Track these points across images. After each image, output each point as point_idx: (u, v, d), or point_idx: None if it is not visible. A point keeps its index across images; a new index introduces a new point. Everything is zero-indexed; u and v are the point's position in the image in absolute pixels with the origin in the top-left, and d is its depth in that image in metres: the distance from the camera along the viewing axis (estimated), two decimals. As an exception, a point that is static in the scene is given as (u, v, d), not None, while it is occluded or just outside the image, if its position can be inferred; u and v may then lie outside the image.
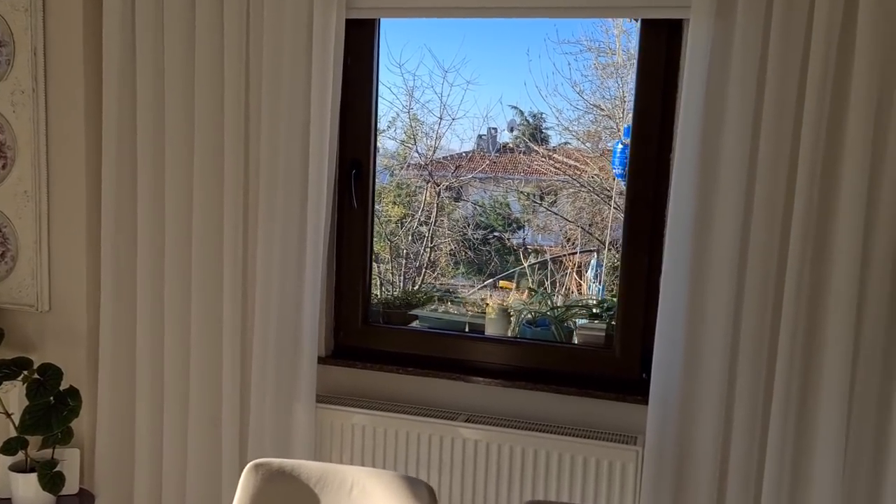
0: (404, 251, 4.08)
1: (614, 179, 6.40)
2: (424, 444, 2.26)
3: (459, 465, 2.24)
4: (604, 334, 2.43)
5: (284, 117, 2.26)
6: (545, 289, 3.33)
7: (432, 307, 3.60)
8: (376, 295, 3.32)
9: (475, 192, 6.92)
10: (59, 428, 2.21)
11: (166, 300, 2.42)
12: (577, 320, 2.61)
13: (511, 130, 7.68)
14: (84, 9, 2.40)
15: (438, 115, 4.12)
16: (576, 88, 7.80)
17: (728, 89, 1.94)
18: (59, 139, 2.46)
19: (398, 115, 3.93)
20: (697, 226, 2.00)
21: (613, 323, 2.43)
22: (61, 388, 2.27)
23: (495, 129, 6.71)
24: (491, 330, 2.74)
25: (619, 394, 2.22)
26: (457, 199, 4.96)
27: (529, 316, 2.64)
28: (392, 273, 4.02)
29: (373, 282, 2.51)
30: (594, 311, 2.46)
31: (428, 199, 4.13)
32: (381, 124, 3.11)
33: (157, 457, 2.49)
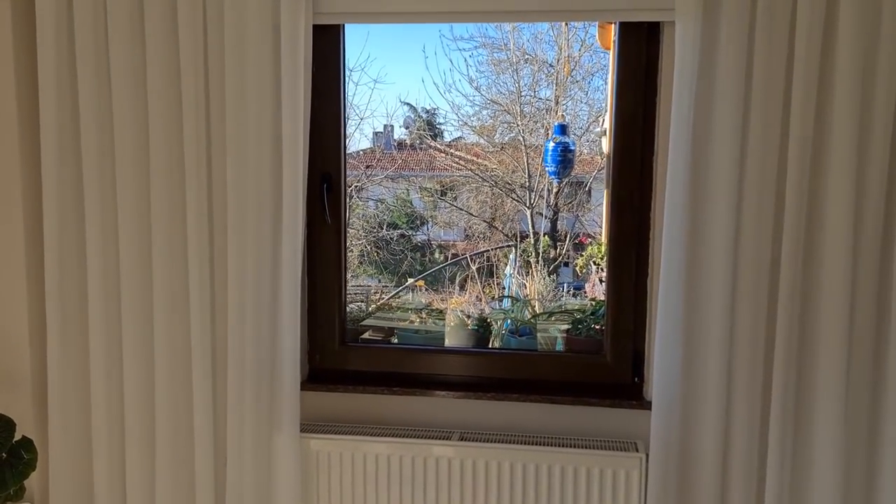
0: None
1: (542, 177, 6.47)
2: (420, 468, 2.17)
3: (458, 486, 2.16)
4: (591, 340, 2.41)
5: (252, 131, 2.11)
6: (526, 295, 3.28)
7: (380, 315, 3.50)
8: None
9: (382, 191, 6.85)
10: (14, 485, 1.98)
11: (124, 332, 2.22)
12: (559, 326, 2.58)
13: (406, 127, 7.67)
14: (13, 22, 2.15)
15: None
16: (473, 84, 7.85)
17: (716, 90, 1.94)
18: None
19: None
20: (690, 227, 2.00)
21: (596, 327, 2.42)
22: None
23: (391, 126, 6.69)
24: (454, 341, 2.66)
25: (613, 399, 2.21)
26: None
27: (510, 325, 2.59)
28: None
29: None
30: (576, 316, 2.43)
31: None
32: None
33: (120, 507, 2.28)
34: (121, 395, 2.25)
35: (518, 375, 2.31)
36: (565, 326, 2.51)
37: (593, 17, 2.17)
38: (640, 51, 2.15)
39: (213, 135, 2.15)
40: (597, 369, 2.28)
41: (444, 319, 3.00)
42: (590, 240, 6.17)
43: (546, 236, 7.78)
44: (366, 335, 2.88)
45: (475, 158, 8.53)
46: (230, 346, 2.17)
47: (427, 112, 8.10)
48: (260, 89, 2.09)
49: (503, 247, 8.43)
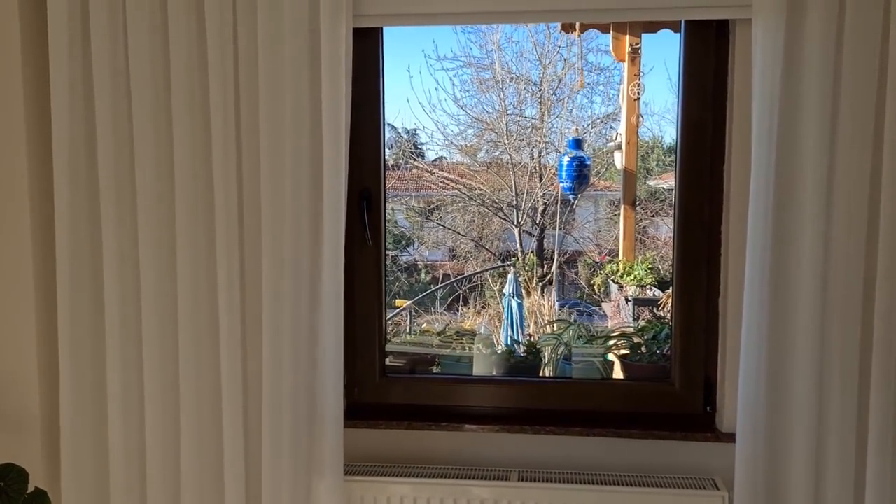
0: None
1: (559, 192, 6.31)
2: (477, 512, 1.97)
3: (520, 532, 1.96)
4: (653, 366, 2.23)
5: (289, 144, 1.91)
6: (578, 321, 3.09)
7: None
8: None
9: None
10: (28, 544, 1.75)
11: (145, 368, 2.00)
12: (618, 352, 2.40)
13: (389, 147, 7.58)
14: (21, 25, 1.95)
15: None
16: (458, 103, 7.73)
17: (801, 94, 1.78)
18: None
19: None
20: (775, 244, 1.83)
21: (658, 352, 2.24)
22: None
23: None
24: (498, 369, 2.47)
25: (686, 432, 2.02)
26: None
27: (565, 350, 2.40)
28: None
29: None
30: (634, 340, 2.25)
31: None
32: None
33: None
34: (141, 440, 2.02)
35: (579, 406, 2.12)
36: (624, 352, 2.32)
37: (658, 15, 2.01)
38: (707, 52, 1.99)
39: (245, 147, 1.95)
40: (664, 398, 2.10)
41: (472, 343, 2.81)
42: (608, 257, 6.02)
43: (532, 254, 7.64)
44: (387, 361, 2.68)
45: (459, 178, 8.40)
46: (265, 382, 1.96)
47: (408, 132, 7.98)
48: (297, 97, 1.90)
49: (499, 267, 8.28)
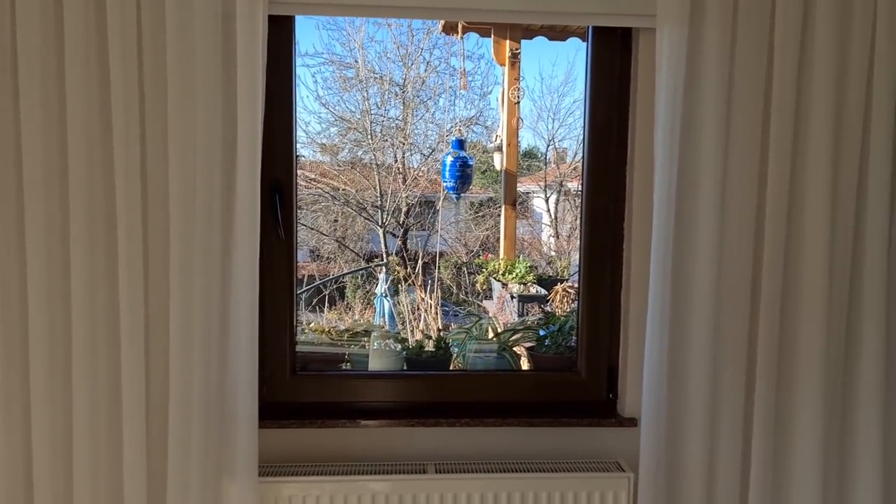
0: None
1: (442, 191, 6.36)
2: (395, 506, 1.97)
3: (438, 523, 1.98)
4: (559, 357, 2.31)
5: (200, 136, 1.82)
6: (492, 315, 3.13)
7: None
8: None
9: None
10: None
11: (31, 366, 1.85)
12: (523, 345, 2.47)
13: None
14: None
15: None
16: (321, 101, 7.66)
17: (701, 97, 1.92)
18: None
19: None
20: (677, 239, 1.96)
21: (563, 344, 2.33)
22: None
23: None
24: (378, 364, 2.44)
25: (592, 418, 2.12)
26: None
27: (476, 346, 2.44)
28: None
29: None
30: (540, 333, 2.33)
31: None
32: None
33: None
34: (27, 442, 1.86)
35: (491, 398, 2.17)
36: (529, 344, 2.40)
37: (568, 19, 2.09)
38: (613, 58, 2.09)
39: (150, 137, 1.84)
40: (570, 387, 2.19)
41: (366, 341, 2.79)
42: (491, 256, 6.15)
43: (396, 255, 7.70)
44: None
45: (321, 177, 8.30)
46: (172, 380, 1.86)
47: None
48: (207, 85, 1.82)
49: (368, 267, 8.25)
